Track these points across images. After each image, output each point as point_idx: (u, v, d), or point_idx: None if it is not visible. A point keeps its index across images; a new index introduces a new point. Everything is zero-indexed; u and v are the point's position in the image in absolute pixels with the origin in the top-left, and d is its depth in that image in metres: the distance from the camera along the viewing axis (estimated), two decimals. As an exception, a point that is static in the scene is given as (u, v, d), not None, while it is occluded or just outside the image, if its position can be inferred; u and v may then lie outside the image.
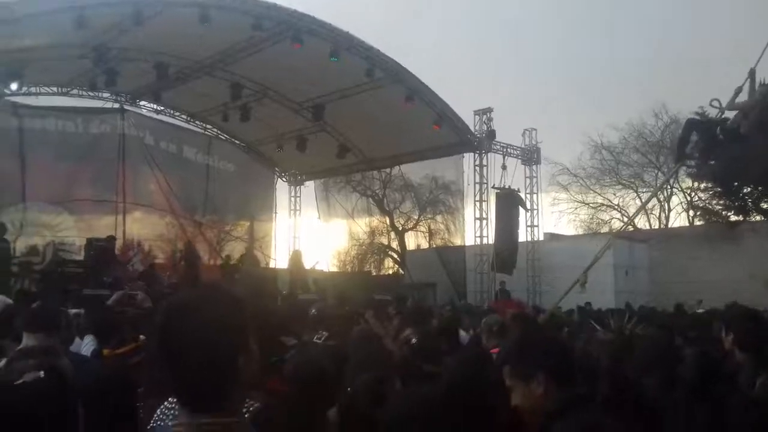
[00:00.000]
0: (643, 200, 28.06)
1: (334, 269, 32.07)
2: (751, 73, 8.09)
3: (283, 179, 24.77)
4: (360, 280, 22.79)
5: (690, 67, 39.71)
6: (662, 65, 44.34)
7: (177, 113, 20.81)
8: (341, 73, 17.26)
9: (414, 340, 6.21)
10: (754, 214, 24.16)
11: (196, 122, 21.38)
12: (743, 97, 8.12)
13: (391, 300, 16.29)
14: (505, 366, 2.23)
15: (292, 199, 25.03)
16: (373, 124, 19.74)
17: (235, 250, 23.75)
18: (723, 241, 22.37)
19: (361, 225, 33.16)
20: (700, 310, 15.83)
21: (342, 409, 2.73)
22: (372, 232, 34.58)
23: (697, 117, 8.29)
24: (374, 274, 32.69)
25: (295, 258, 18.14)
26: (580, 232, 31.38)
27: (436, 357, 5.43)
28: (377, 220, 34.01)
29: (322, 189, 25.77)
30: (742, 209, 24.23)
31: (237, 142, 22.53)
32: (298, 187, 25.06)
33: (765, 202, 24.02)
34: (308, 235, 25.03)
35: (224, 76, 17.86)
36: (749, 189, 24.12)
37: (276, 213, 24.34)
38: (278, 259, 23.45)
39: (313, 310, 6.66)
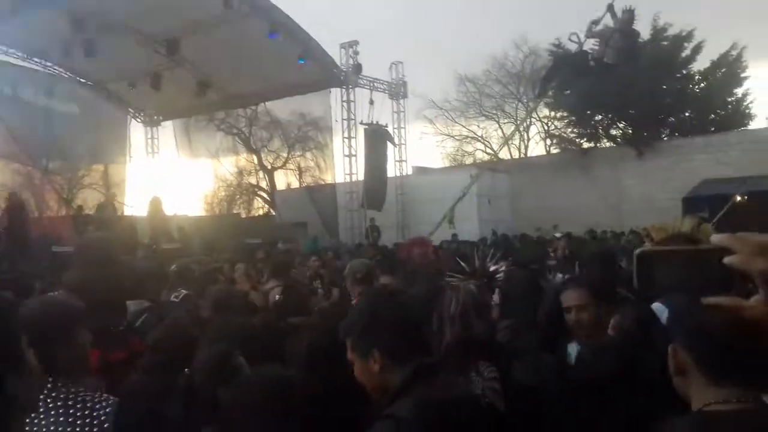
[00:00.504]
0: (505, 131, 29.07)
1: (202, 213, 30.99)
2: (610, 7, 8.26)
3: (138, 120, 23.07)
4: (228, 224, 22.04)
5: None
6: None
7: (11, 50, 18.54)
8: (197, 3, 16.03)
9: (278, 296, 5.93)
10: (605, 140, 25.72)
11: (34, 60, 19.19)
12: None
13: (262, 244, 15.86)
14: (347, 338, 2.02)
15: (149, 140, 23.42)
16: (235, 59, 18.61)
17: (88, 198, 22.14)
18: (577, 168, 23.67)
19: (228, 165, 32.10)
20: (558, 234, 16.75)
21: (181, 390, 2.42)
22: (239, 173, 33.63)
23: (559, 50, 8.40)
24: (244, 216, 32.00)
25: (155, 204, 17.01)
26: (447, 164, 32.15)
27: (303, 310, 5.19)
28: (244, 160, 33.04)
29: (182, 129, 24.33)
30: (594, 136, 25.73)
31: (82, 80, 20.53)
32: (155, 128, 23.45)
33: (614, 128, 25.60)
34: (169, 178, 23.60)
35: (61, 6, 15.99)
36: (600, 117, 25.60)
37: (131, 156, 22.68)
38: (136, 206, 22.05)
39: (173, 266, 6.14)
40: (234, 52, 18.15)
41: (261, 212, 32.58)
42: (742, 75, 24.86)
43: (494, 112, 30.25)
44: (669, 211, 19.07)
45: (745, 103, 25.38)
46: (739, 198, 15.65)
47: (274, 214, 27.27)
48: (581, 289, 3.26)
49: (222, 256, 11.83)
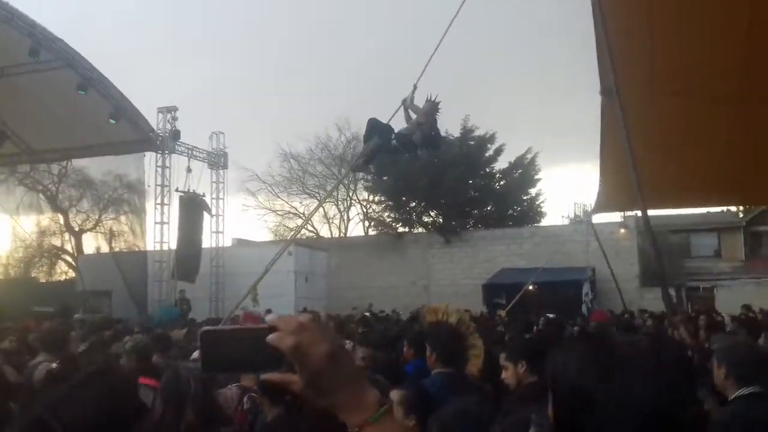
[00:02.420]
0: (326, 210, 29.40)
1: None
2: (414, 88, 8.59)
3: None
4: (21, 289, 19.87)
5: (371, 82, 42.69)
6: (351, 79, 47.11)
7: None
8: (0, 48, 14.65)
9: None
10: (417, 226, 26.90)
11: None
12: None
13: (54, 311, 14.40)
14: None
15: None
16: (40, 111, 17.18)
17: None
18: (391, 251, 24.43)
19: (28, 224, 29.23)
20: (368, 313, 16.92)
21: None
22: (42, 233, 30.76)
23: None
24: (43, 280, 29.13)
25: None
26: (269, 238, 31.68)
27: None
28: (49, 219, 30.33)
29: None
30: (408, 221, 26.83)
31: None
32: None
33: (426, 216, 26.91)
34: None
35: None
36: (414, 204, 26.84)
37: None
38: None
39: None
40: (39, 104, 16.78)
41: (64, 277, 29.74)
42: (536, 177, 27.49)
43: (316, 190, 30.61)
44: (472, 295, 20.23)
45: (537, 202, 27.96)
46: (531, 287, 16.95)
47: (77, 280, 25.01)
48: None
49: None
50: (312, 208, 28.91)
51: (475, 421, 2.85)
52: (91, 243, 30.63)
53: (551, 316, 14.15)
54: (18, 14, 14.28)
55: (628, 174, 5.35)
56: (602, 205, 12.06)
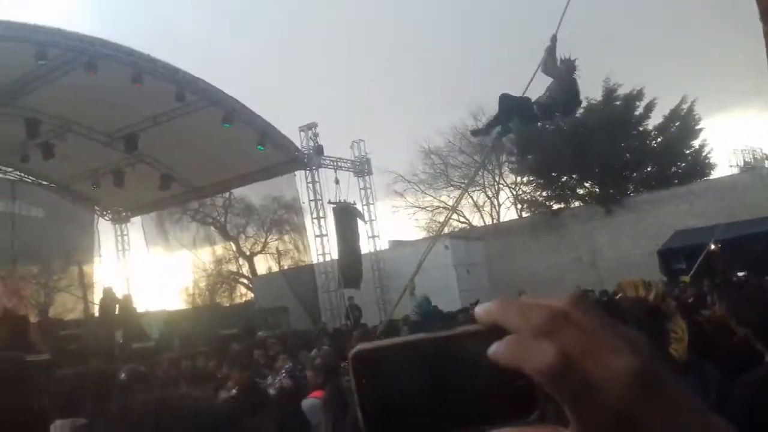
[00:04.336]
0: (475, 199, 28.65)
1: (182, 306, 29.92)
2: (550, 50, 7.80)
3: (106, 218, 22.25)
4: (207, 315, 21.10)
5: (501, 68, 41.30)
6: (477, 67, 45.85)
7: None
8: (150, 98, 15.51)
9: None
10: (573, 200, 25.30)
11: (-6, 167, 18.56)
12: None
13: (239, 333, 14.97)
14: None
15: (118, 237, 22.52)
16: (194, 149, 18.10)
17: (67, 301, 21.01)
18: (549, 230, 23.09)
19: (205, 255, 31.36)
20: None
21: None
22: (218, 261, 32.89)
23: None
24: (227, 305, 31.08)
25: (126, 302, 15.98)
26: (423, 236, 31.49)
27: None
28: (222, 248, 32.37)
29: (154, 223, 23.61)
30: (562, 197, 25.31)
31: (44, 183, 19.83)
32: (123, 225, 22.60)
33: (581, 188, 25.23)
34: (141, 274, 22.65)
35: (15, 112, 15.45)
36: (565, 178, 25.29)
37: (100, 255, 21.74)
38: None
39: (123, 374, 5.21)
40: (192, 143, 17.69)
41: (244, 300, 31.58)
42: (697, 127, 24.84)
43: (462, 181, 29.93)
44: (645, 265, 18.49)
45: (703, 154, 25.26)
46: (713, 246, 15.14)
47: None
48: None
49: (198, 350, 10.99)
50: (461, 201, 28.27)
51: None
52: (263, 264, 32.34)
53: (741, 274, 12.65)
54: (160, 63, 15.06)
55: None
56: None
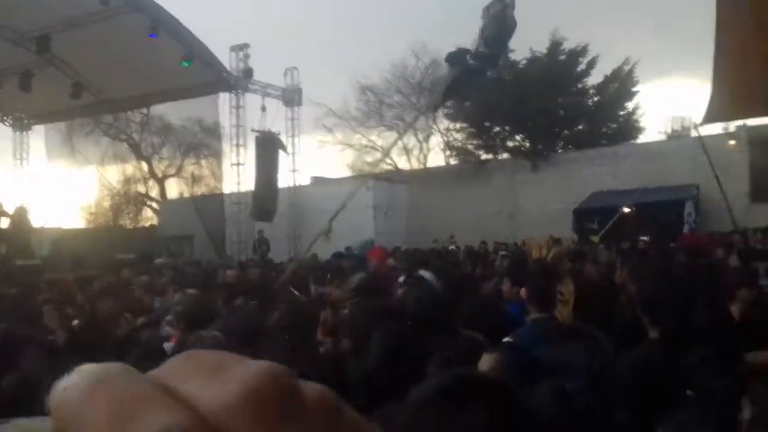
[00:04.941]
0: (404, 141, 29.04)
1: (83, 225, 29.31)
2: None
3: (6, 123, 21.34)
4: (105, 237, 20.77)
5: (450, 5, 41.12)
6: (424, 3, 45.52)
7: None
8: (70, -1, 14.93)
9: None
10: (502, 152, 26.17)
11: None
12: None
13: (134, 260, 14.75)
14: None
15: (18, 146, 21.68)
16: (113, 59, 17.50)
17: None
18: (475, 179, 23.91)
19: (114, 173, 30.65)
20: (452, 247, 16.74)
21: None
22: (127, 181, 32.17)
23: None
24: (129, 228, 30.60)
25: (19, 215, 15.47)
26: (346, 175, 31.78)
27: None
28: (133, 167, 31.62)
29: (62, 134, 22.85)
30: (492, 148, 26.14)
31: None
32: (24, 133, 21.74)
33: (511, 140, 26.10)
34: (40, 187, 22.00)
35: None
36: (498, 129, 26.06)
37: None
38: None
39: None
40: (112, 52, 17.10)
41: (150, 224, 31.12)
42: (633, 90, 25.98)
43: (395, 122, 30.19)
44: (562, 222, 19.62)
45: (634, 117, 26.53)
46: (626, 210, 16.18)
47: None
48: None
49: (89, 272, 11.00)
50: (391, 141, 28.66)
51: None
52: (175, 189, 31.87)
53: (644, 239, 13.56)
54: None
55: (749, 73, 4.79)
56: (714, 114, 11.16)
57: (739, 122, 18.37)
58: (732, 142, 19.02)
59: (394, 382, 1.75)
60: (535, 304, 3.50)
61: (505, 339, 3.18)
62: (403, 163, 31.29)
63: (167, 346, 3.83)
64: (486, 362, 2.40)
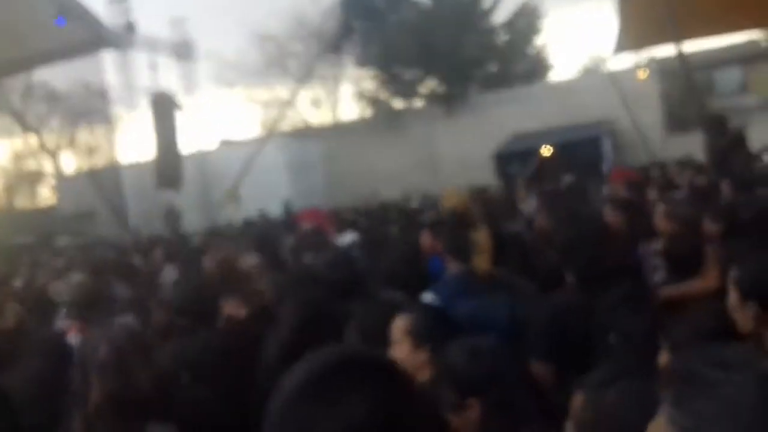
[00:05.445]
0: (313, 93, 27.89)
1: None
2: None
3: None
4: (2, 219, 19.48)
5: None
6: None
7: None
8: None
9: None
10: (416, 99, 25.39)
11: None
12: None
13: (33, 243, 14.22)
14: None
15: None
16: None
17: None
18: (391, 130, 23.19)
19: (1, 149, 28.65)
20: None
21: None
22: (17, 157, 30.05)
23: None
24: (26, 209, 28.93)
25: None
26: (257, 134, 30.33)
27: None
28: (22, 141, 29.44)
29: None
30: (405, 94, 25.28)
31: None
32: None
33: (423, 86, 25.25)
34: None
35: None
36: (409, 76, 25.17)
37: None
38: None
39: None
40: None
41: (49, 204, 29.27)
42: (540, 20, 25.50)
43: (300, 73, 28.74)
44: (484, 168, 19.24)
45: (544, 54, 26.29)
46: (545, 151, 15.89)
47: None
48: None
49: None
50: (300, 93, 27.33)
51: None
52: (73, 162, 29.93)
53: (567, 178, 13.34)
54: None
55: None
56: (624, 44, 10.85)
57: (649, 55, 18.28)
58: (642, 72, 18.92)
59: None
60: (451, 257, 3.37)
61: (425, 294, 3.11)
62: (314, 118, 30.09)
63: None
64: (398, 324, 2.35)
